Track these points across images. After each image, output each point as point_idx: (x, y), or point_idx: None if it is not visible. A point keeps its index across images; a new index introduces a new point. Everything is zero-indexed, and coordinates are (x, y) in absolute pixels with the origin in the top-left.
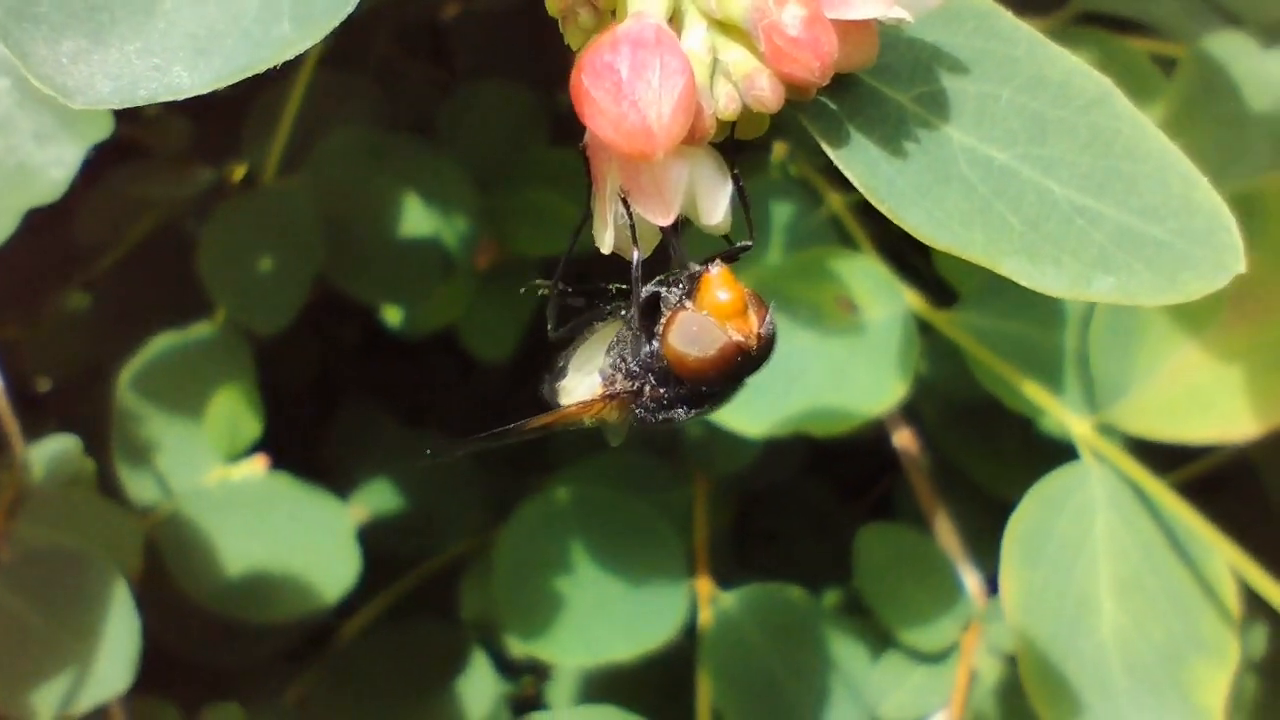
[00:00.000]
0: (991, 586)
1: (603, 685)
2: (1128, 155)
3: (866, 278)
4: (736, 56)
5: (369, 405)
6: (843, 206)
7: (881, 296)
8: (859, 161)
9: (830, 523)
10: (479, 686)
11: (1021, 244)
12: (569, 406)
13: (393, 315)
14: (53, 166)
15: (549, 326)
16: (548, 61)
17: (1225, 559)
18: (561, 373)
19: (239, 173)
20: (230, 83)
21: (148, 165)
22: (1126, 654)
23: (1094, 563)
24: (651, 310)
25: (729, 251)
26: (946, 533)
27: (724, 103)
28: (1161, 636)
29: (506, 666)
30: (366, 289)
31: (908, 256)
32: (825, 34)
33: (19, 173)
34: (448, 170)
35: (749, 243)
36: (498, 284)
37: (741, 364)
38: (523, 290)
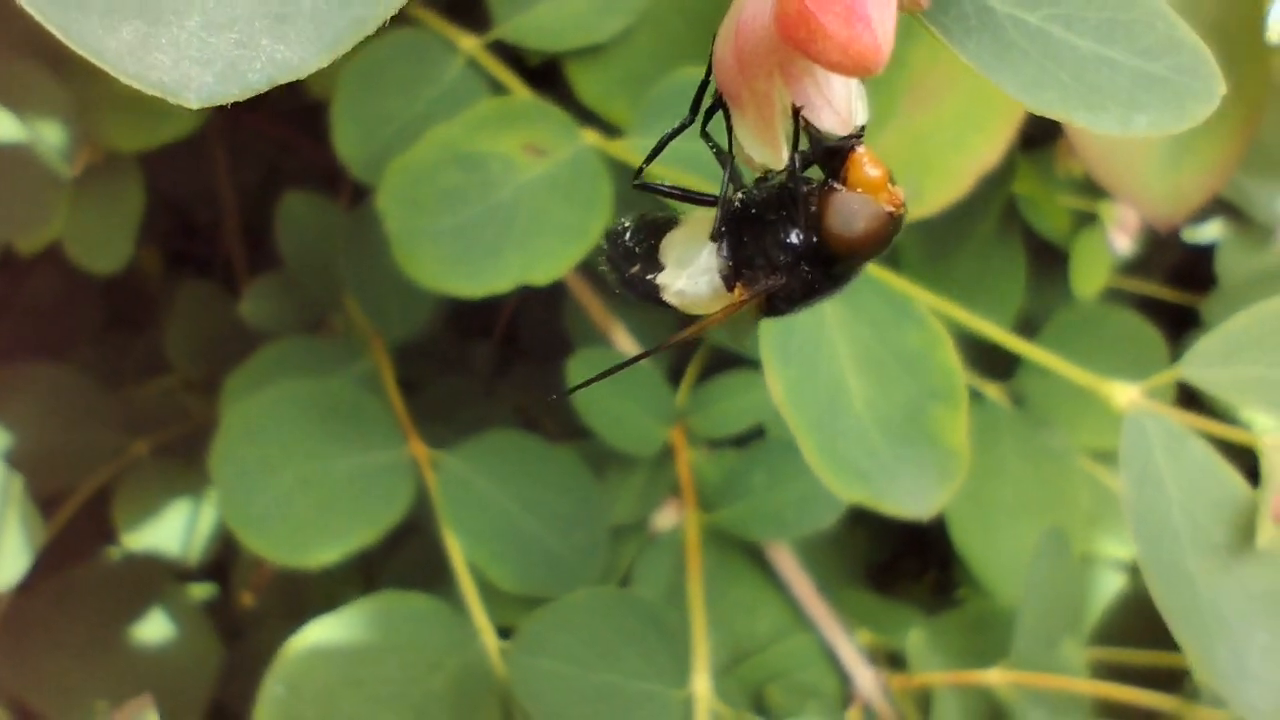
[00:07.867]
0: (674, 379)
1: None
2: (1121, 6)
3: (543, 120)
4: None
5: None
6: (478, 49)
7: (562, 136)
8: (958, 43)
9: (465, 363)
10: (168, 610)
11: (1079, 97)
12: (715, 314)
13: None
14: None
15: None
16: None
17: (934, 312)
18: (654, 265)
19: None
20: (344, 49)
21: None
22: (878, 418)
23: (834, 349)
24: (787, 199)
25: (857, 132)
26: (627, 344)
27: None
28: (902, 396)
29: (187, 577)
30: None
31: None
32: None
33: None
34: (18, 63)
35: (863, 124)
36: (96, 186)
37: (893, 232)
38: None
